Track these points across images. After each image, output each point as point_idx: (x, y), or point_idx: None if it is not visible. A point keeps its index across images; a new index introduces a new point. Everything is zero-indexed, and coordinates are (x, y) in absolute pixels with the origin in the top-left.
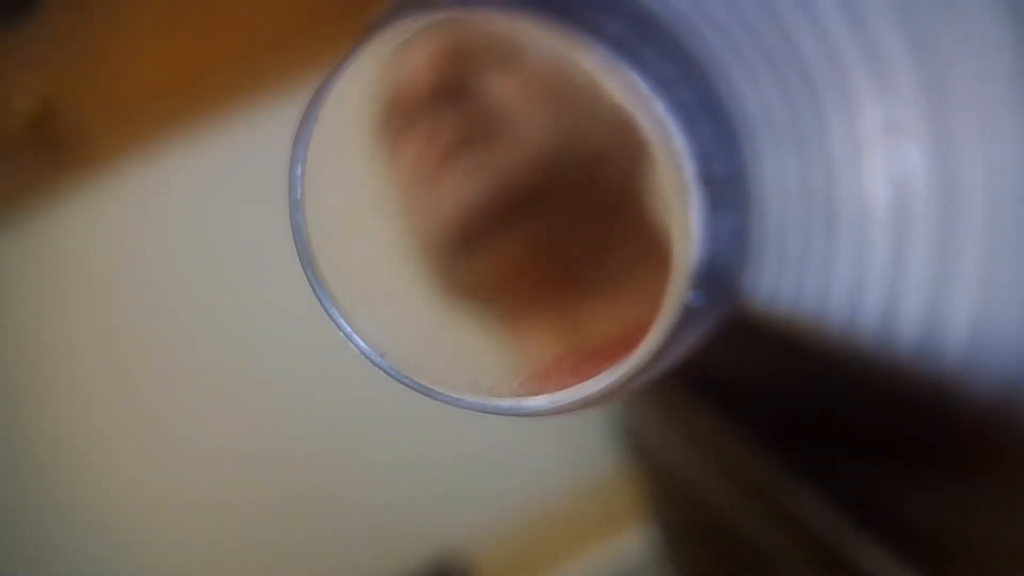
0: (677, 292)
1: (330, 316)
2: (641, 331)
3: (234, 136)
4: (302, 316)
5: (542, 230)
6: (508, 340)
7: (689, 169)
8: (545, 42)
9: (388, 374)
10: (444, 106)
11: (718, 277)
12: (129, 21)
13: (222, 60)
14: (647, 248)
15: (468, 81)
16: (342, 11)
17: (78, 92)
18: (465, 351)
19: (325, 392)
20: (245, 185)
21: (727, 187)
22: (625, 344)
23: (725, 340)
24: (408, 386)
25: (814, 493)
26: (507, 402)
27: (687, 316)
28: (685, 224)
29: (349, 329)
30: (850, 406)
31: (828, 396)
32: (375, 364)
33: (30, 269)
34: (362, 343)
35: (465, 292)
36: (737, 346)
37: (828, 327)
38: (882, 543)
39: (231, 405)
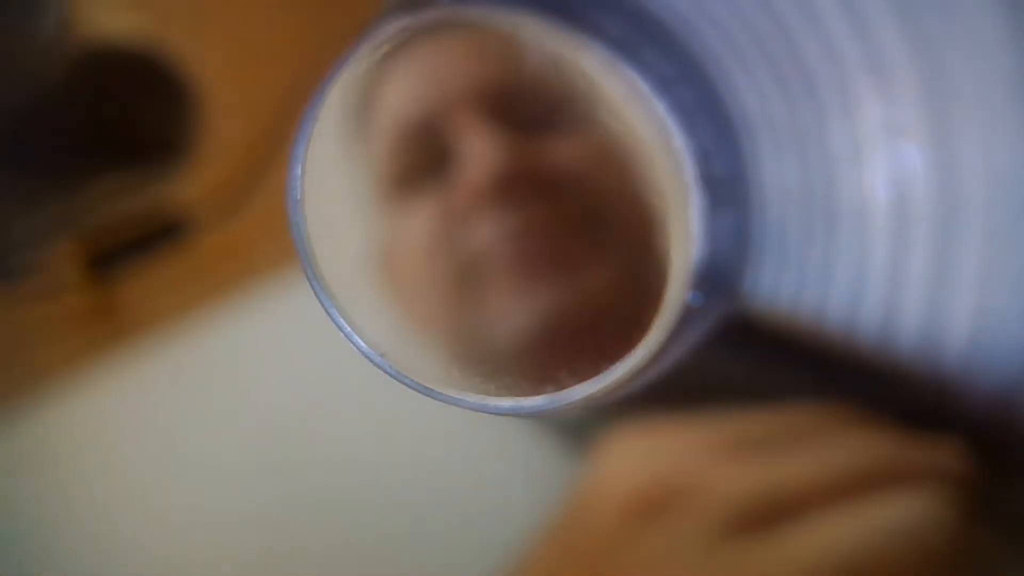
0: (677, 292)
1: (330, 316)
2: (640, 329)
3: None
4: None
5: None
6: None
7: (689, 169)
8: (544, 41)
9: (388, 374)
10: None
11: (718, 277)
12: None
13: None
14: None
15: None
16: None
17: None
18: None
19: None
20: None
21: (727, 187)
22: (625, 343)
23: (725, 340)
24: (408, 386)
25: None
26: (507, 402)
27: (687, 316)
28: (685, 224)
29: (349, 329)
30: (848, 404)
31: (827, 394)
32: (375, 364)
33: None
34: (362, 343)
35: None
36: (737, 346)
37: (828, 327)
38: None
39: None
